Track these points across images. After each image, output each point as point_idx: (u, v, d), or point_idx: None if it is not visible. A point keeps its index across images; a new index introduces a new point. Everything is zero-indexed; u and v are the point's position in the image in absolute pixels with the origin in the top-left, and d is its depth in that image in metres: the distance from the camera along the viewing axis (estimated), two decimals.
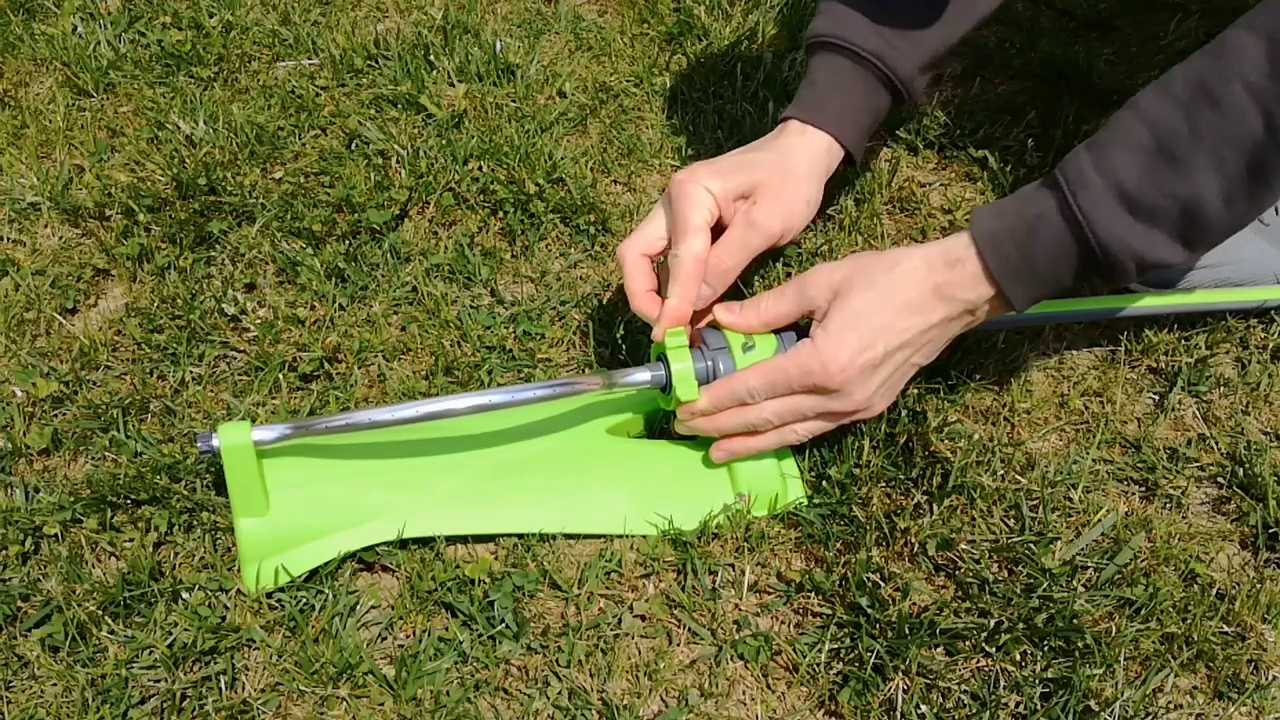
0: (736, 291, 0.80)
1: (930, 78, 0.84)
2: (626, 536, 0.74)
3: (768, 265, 0.90)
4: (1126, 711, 0.64)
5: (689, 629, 0.69)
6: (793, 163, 0.78)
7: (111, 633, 0.67)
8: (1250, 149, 0.62)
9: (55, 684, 0.65)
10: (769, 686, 0.67)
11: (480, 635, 0.68)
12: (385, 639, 0.69)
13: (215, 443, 0.68)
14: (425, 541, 0.72)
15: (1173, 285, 0.86)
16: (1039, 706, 0.64)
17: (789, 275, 0.88)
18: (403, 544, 0.72)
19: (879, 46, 0.79)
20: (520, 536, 0.73)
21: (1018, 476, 0.76)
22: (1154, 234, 0.65)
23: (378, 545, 0.71)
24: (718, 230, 0.76)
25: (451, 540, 0.73)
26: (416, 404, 0.70)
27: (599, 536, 0.74)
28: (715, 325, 0.75)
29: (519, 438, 0.77)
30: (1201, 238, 0.66)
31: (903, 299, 0.68)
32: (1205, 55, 0.64)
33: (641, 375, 0.73)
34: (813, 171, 0.79)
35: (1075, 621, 0.67)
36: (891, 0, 0.80)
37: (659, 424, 0.81)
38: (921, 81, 0.83)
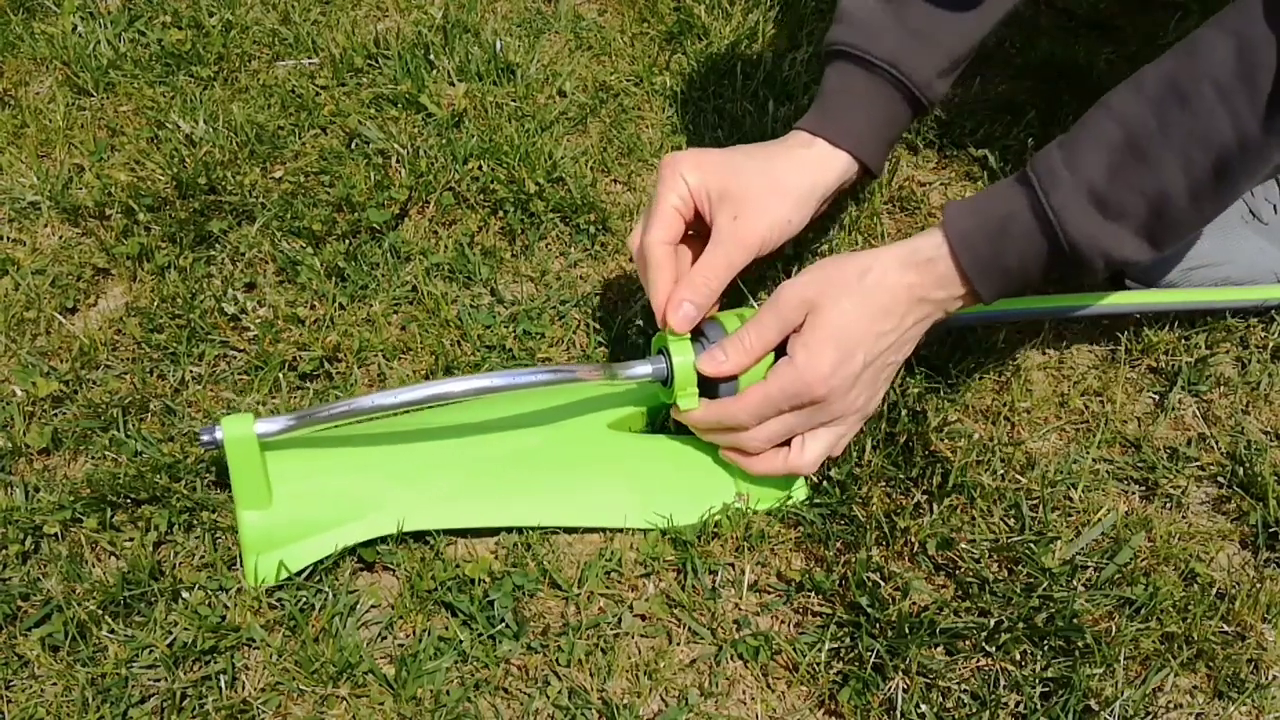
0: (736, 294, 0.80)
1: (950, 83, 0.81)
2: (626, 535, 0.74)
3: (767, 268, 0.90)
4: (1126, 711, 0.64)
5: (689, 628, 0.69)
6: (782, 176, 0.75)
7: (111, 632, 0.67)
8: (1218, 148, 0.62)
9: (55, 683, 0.65)
10: (769, 686, 0.67)
11: (480, 635, 0.68)
12: (385, 638, 0.69)
13: (218, 434, 0.68)
14: (425, 540, 0.72)
15: (1153, 283, 0.86)
16: (1039, 706, 0.64)
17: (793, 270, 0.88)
18: (402, 542, 0.72)
19: (893, 53, 0.76)
20: (520, 534, 0.73)
21: (1018, 476, 0.76)
22: (1122, 232, 0.65)
23: (378, 542, 0.72)
24: (700, 230, 0.76)
25: (451, 539, 0.73)
26: (417, 387, 0.69)
27: (600, 531, 0.74)
28: (714, 318, 0.75)
29: (521, 431, 0.77)
30: (1167, 235, 0.66)
31: (877, 304, 0.68)
32: (1176, 54, 0.65)
33: (643, 368, 0.73)
34: (803, 186, 0.76)
35: (1075, 621, 0.67)
36: (908, 2, 0.77)
37: (661, 419, 0.81)
38: (941, 86, 0.80)
